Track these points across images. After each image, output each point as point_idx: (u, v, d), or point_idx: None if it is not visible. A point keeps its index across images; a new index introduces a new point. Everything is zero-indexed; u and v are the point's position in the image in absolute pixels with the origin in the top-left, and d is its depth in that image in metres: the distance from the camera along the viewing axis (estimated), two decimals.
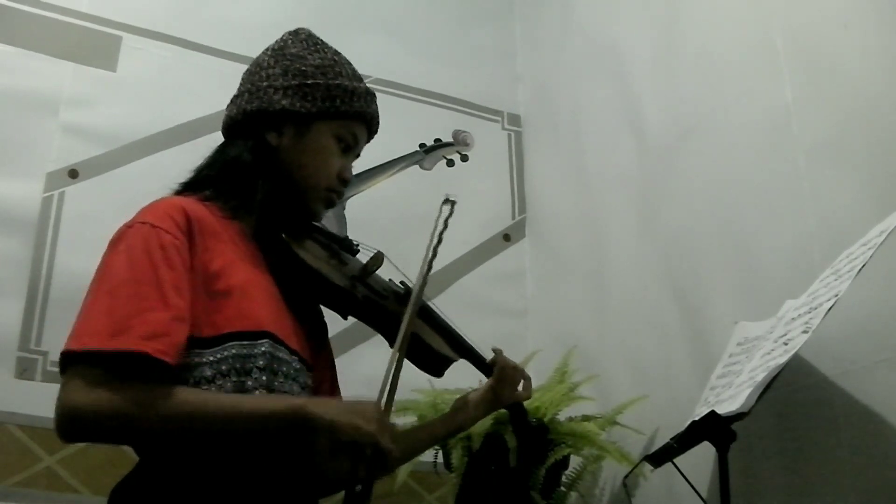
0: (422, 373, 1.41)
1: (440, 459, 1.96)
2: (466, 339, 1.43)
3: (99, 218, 2.15)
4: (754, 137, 1.83)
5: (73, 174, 2.24)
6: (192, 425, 1.07)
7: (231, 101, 1.36)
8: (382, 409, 1.13)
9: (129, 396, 1.04)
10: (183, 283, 1.12)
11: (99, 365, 1.04)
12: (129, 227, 1.16)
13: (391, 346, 1.26)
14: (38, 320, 2.07)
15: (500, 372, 1.42)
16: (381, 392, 1.16)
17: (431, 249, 1.26)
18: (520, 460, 1.49)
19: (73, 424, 1.04)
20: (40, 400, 1.99)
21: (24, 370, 2.02)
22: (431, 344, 1.37)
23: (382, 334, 1.37)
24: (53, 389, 2.01)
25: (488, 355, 1.45)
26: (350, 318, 1.39)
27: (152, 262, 1.11)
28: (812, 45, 1.71)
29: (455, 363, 1.42)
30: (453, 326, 1.43)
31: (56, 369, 2.00)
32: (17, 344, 2.04)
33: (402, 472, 1.85)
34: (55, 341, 2.05)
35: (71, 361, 1.05)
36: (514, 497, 1.85)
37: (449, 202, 1.26)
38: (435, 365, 1.39)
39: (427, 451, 1.90)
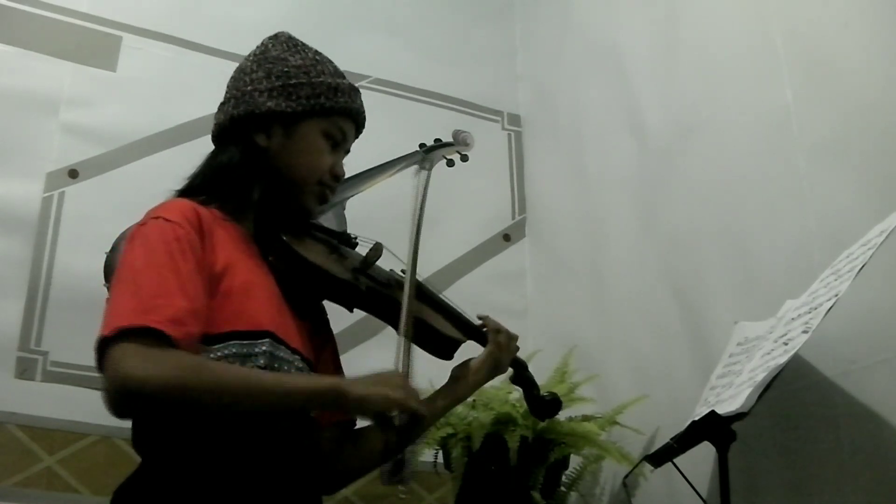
0: (421, 373, 1.41)
1: (440, 459, 1.96)
2: (470, 319, 1.46)
3: (99, 218, 2.17)
4: (754, 137, 1.83)
5: (73, 174, 2.24)
6: (234, 396, 1.08)
7: (218, 110, 1.38)
8: (405, 376, 1.21)
9: (177, 361, 1.05)
10: (197, 277, 1.14)
11: (136, 338, 1.04)
12: (142, 224, 1.18)
13: (398, 333, 1.30)
14: (38, 320, 2.07)
15: (495, 337, 1.45)
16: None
17: (417, 216, 1.29)
18: (532, 408, 1.51)
19: (128, 394, 1.02)
20: (40, 400, 2.01)
21: (24, 370, 2.02)
22: (436, 326, 1.39)
23: (389, 323, 1.37)
24: (53, 389, 2.05)
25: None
26: (348, 319, 1.39)
27: (169, 252, 1.13)
28: (812, 45, 1.71)
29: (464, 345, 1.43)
30: (454, 306, 1.45)
31: (56, 369, 2.05)
32: (17, 344, 2.04)
33: None
34: (55, 341, 2.06)
35: (107, 345, 1.05)
36: (514, 497, 1.85)
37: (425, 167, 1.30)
38: (443, 347, 1.40)
39: (427, 451, 1.91)
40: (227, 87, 1.38)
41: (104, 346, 1.04)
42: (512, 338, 1.47)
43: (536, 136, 2.85)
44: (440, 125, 2.66)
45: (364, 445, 1.36)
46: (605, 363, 2.17)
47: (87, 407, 2.02)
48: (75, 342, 2.05)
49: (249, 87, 1.33)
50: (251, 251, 1.28)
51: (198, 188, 1.30)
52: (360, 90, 1.44)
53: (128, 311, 1.06)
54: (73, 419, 2.01)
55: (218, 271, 1.18)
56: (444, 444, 1.92)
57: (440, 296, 1.45)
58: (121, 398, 1.02)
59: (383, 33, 2.79)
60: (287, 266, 1.31)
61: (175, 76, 2.46)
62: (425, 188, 1.32)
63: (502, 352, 1.45)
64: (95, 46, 2.39)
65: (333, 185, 1.37)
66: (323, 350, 1.38)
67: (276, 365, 1.18)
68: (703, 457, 1.46)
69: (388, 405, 1.14)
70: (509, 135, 2.89)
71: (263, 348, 1.17)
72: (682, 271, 2.01)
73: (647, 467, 1.63)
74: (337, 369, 1.41)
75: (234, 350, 1.15)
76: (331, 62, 1.40)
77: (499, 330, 1.46)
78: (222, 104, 1.37)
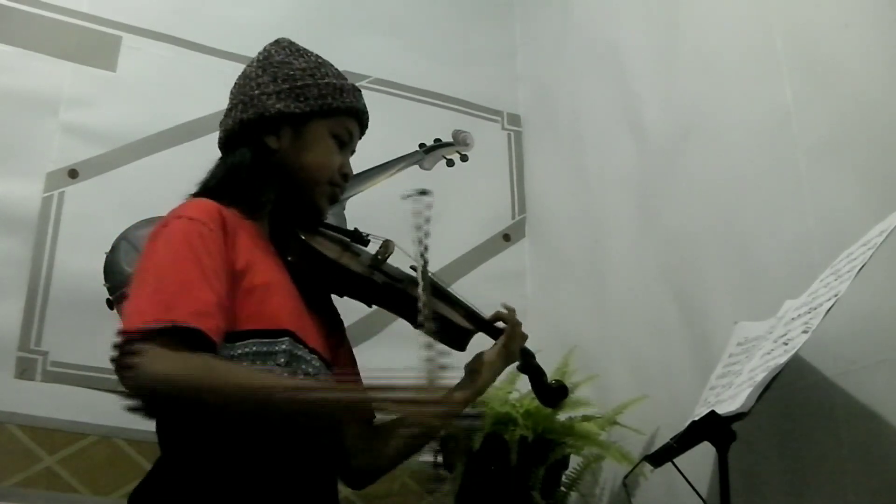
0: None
1: (440, 459, 1.96)
2: (480, 312, 1.49)
3: (99, 218, 2.17)
4: (754, 137, 1.83)
5: (73, 174, 2.24)
6: (262, 402, 1.09)
7: (224, 116, 1.40)
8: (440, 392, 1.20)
9: (203, 364, 1.05)
10: (221, 272, 1.15)
11: (161, 337, 1.04)
12: (164, 224, 1.19)
13: (414, 327, 1.33)
14: (38, 320, 2.07)
15: (512, 330, 1.48)
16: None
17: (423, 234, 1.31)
18: (540, 396, 1.54)
19: (154, 395, 1.03)
20: (40, 400, 2.01)
21: (24, 370, 2.02)
22: (451, 318, 1.42)
23: (404, 317, 1.41)
24: (53, 389, 2.06)
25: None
26: (352, 317, 1.41)
27: (192, 249, 1.14)
28: (812, 45, 1.71)
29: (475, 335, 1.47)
30: (463, 299, 1.48)
31: (56, 369, 2.05)
32: (17, 344, 2.04)
33: (402, 472, 1.85)
34: (55, 341, 2.06)
35: (131, 343, 1.05)
36: (514, 497, 1.85)
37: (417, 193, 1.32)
38: (457, 338, 1.43)
39: (427, 451, 1.90)
40: (232, 94, 1.40)
41: (127, 344, 1.04)
42: (520, 325, 1.51)
43: (536, 136, 2.85)
44: (440, 125, 2.67)
45: (390, 441, 1.38)
46: (605, 363, 2.17)
47: (87, 407, 2.03)
48: (75, 342, 2.06)
49: (257, 92, 1.35)
50: (270, 250, 1.30)
51: (212, 190, 1.31)
52: (360, 90, 1.45)
53: (151, 308, 1.06)
54: (73, 419, 2.01)
55: (240, 269, 1.19)
56: (444, 444, 1.92)
57: (449, 290, 1.48)
58: (147, 399, 1.03)
59: (383, 33, 2.79)
60: (306, 264, 1.34)
61: (175, 76, 2.45)
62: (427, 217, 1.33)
63: (516, 341, 1.48)
64: (95, 46, 2.39)
65: (343, 185, 1.40)
66: (338, 349, 1.41)
67: (294, 364, 1.20)
68: (703, 457, 1.46)
69: (422, 419, 1.18)
70: (509, 135, 2.89)
71: (283, 347, 1.19)
72: (682, 271, 2.01)
73: (647, 467, 1.63)
74: (352, 367, 1.43)
75: (254, 348, 1.17)
76: (332, 65, 1.43)
77: (516, 322, 1.49)
78: (229, 110, 1.39)
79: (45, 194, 2.19)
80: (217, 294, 1.12)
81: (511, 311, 1.51)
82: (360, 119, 1.42)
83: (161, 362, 1.02)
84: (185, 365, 1.03)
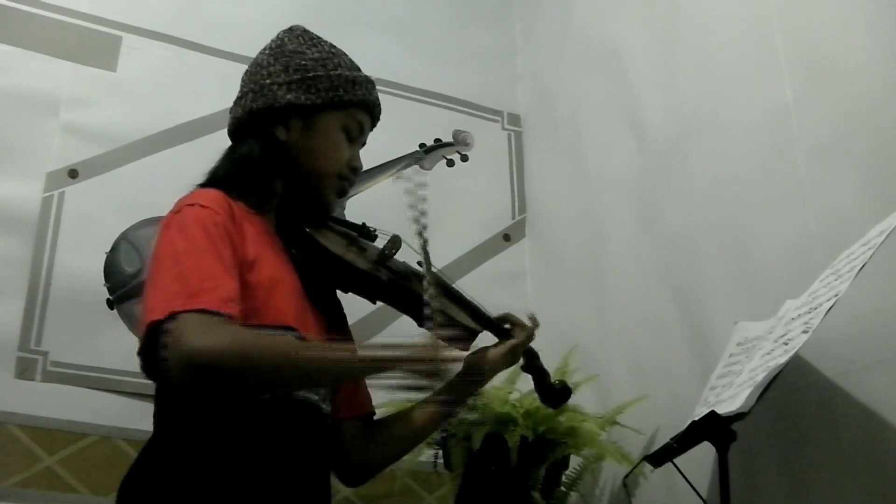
0: None
1: (440, 459, 1.96)
2: (485, 310, 1.47)
3: (99, 218, 2.17)
4: (754, 137, 1.83)
5: (73, 174, 2.24)
6: (290, 367, 1.11)
7: (234, 104, 1.38)
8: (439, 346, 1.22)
9: (236, 330, 1.06)
10: (234, 260, 1.15)
11: (192, 320, 1.04)
12: (176, 212, 1.19)
13: (419, 325, 1.32)
14: (38, 320, 2.07)
15: (526, 337, 1.46)
16: None
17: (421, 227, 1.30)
18: (543, 397, 1.54)
19: (196, 364, 1.01)
20: (40, 400, 2.01)
21: (24, 370, 2.02)
22: (456, 317, 1.40)
23: (409, 314, 1.39)
24: (53, 389, 2.06)
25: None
26: (351, 318, 1.40)
27: (209, 236, 1.13)
28: (812, 45, 1.71)
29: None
30: (471, 299, 1.46)
31: (56, 369, 2.05)
32: (17, 344, 2.03)
33: (402, 472, 1.85)
34: (55, 341, 2.06)
35: (159, 328, 1.04)
36: (514, 497, 1.85)
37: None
38: (462, 337, 1.41)
39: (427, 451, 1.91)
40: (243, 80, 1.39)
41: (155, 330, 1.04)
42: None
43: (536, 136, 2.85)
44: (440, 125, 2.68)
45: (388, 436, 1.38)
46: (605, 363, 2.17)
47: (87, 407, 2.03)
48: (75, 342, 2.06)
49: (268, 81, 1.34)
50: (275, 245, 1.30)
51: (220, 181, 1.30)
52: (373, 82, 1.44)
53: (176, 296, 1.05)
54: (73, 419, 2.01)
55: (248, 261, 1.19)
56: (444, 444, 1.92)
57: (455, 287, 1.47)
58: (188, 369, 1.01)
59: (383, 33, 2.79)
60: (310, 258, 1.33)
61: (175, 76, 2.45)
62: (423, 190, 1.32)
63: (524, 346, 1.46)
64: (95, 46, 2.39)
65: (352, 178, 1.38)
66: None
67: None
68: (703, 457, 1.46)
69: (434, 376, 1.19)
70: (509, 135, 2.89)
71: None
72: (681, 271, 2.01)
73: (647, 467, 1.62)
74: None
75: None
76: (346, 55, 1.41)
77: (525, 326, 1.47)
78: (239, 98, 1.37)
79: (45, 194, 2.19)
80: (237, 282, 1.12)
81: (535, 321, 1.47)
82: (371, 112, 1.41)
83: (208, 335, 1.01)
84: (233, 335, 1.04)
